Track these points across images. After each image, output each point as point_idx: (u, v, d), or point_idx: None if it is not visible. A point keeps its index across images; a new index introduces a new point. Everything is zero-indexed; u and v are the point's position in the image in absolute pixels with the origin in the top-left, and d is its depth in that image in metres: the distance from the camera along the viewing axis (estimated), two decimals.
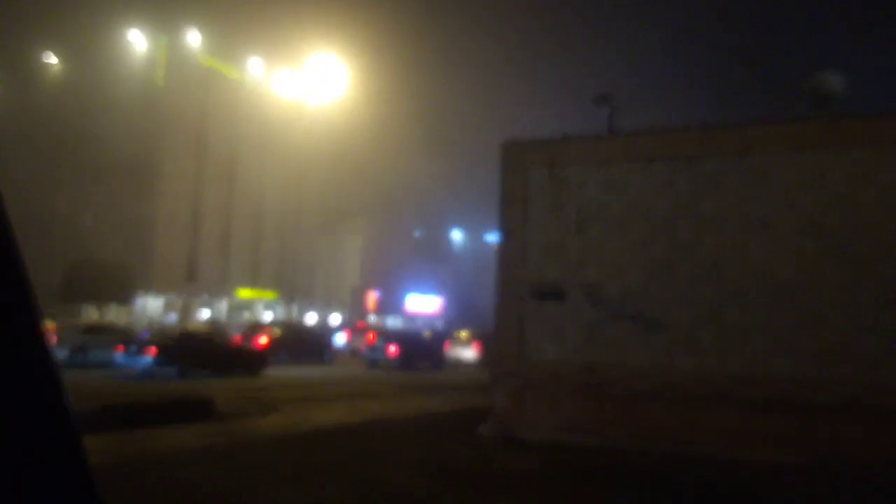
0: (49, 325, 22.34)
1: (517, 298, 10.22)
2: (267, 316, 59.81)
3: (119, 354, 20.02)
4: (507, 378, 10.02)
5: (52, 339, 20.44)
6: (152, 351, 19.32)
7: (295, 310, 54.79)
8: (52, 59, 62.63)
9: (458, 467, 7.86)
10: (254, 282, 63.37)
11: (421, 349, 27.36)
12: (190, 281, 58.03)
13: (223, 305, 62.10)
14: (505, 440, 9.29)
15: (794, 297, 8.90)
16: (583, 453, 8.65)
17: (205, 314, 58.12)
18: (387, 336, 28.04)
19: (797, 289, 8.92)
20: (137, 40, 57.76)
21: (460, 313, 61.32)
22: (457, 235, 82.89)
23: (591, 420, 9.36)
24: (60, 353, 19.90)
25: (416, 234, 74.09)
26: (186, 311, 57.05)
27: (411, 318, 66.99)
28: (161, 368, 19.00)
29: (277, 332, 27.76)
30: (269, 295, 64.19)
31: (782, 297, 8.96)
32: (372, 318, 59.12)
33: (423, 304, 67.64)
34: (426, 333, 32.41)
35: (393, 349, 25.50)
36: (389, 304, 64.60)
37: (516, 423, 9.69)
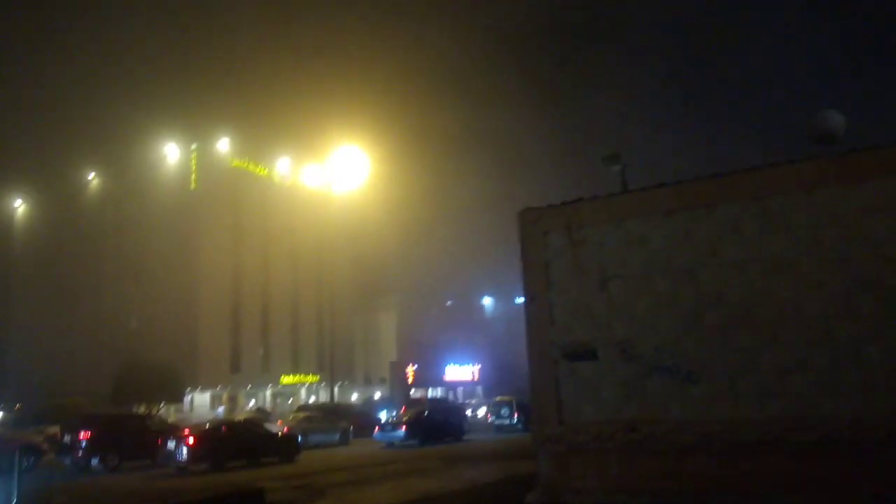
0: (280, 421, 27.18)
1: (550, 361, 10.26)
2: (310, 400, 59.72)
3: (378, 433, 26.31)
4: (548, 443, 9.97)
5: (285, 430, 25.08)
6: (403, 427, 25.21)
7: (337, 391, 54.73)
8: (91, 173, 65.83)
9: None
10: (295, 367, 63.80)
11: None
12: (234, 373, 58.68)
13: (267, 393, 62.42)
14: None
15: (829, 335, 8.81)
16: None
17: (251, 404, 58.33)
18: (511, 405, 33.42)
19: (831, 327, 8.83)
20: (170, 150, 60.56)
21: (498, 379, 60.70)
22: (487, 301, 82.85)
23: (638, 479, 9.21)
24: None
25: (448, 303, 74.21)
26: (233, 403, 57.42)
27: (451, 387, 66.44)
28: (408, 440, 24.61)
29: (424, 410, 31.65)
30: (311, 379, 64.42)
31: (817, 336, 8.88)
32: (413, 392, 58.76)
33: (461, 373, 67.18)
34: None
35: (516, 414, 31.82)
36: (428, 376, 64.24)
37: (563, 489, 9.58)
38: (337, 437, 26.97)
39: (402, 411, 29.49)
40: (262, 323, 61.99)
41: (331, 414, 31.38)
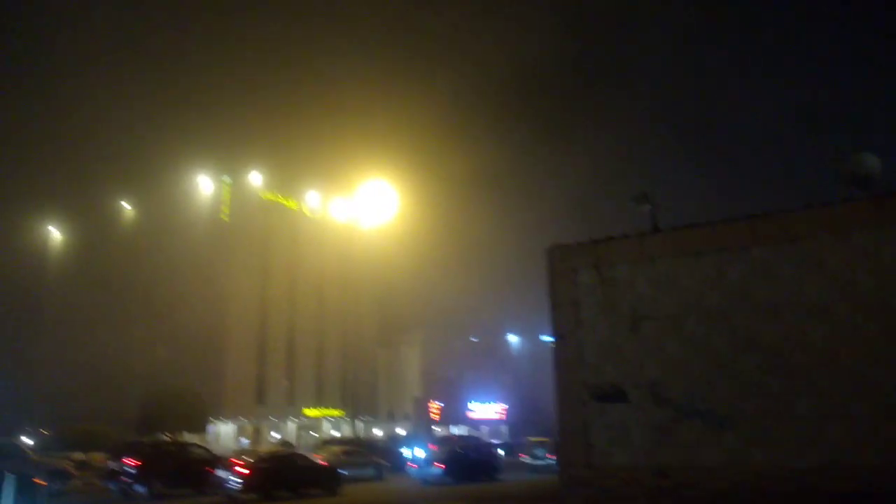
0: (316, 454, 27.40)
1: (579, 402, 10.10)
2: (334, 434, 59.39)
3: (412, 469, 26.62)
4: (576, 486, 9.77)
5: (323, 463, 24.99)
6: (439, 466, 25.45)
7: (361, 426, 54.44)
8: (125, 204, 67.39)
9: None
10: (319, 401, 63.66)
11: None
12: (259, 404, 58.73)
13: (291, 426, 62.23)
14: None
15: (866, 381, 8.56)
16: None
17: (275, 437, 58.15)
18: (546, 445, 32.76)
19: (868, 373, 8.59)
20: (203, 182, 61.80)
21: (524, 418, 59.93)
22: (513, 339, 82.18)
23: None
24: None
25: (473, 340, 73.76)
26: (257, 435, 57.30)
27: (475, 425, 65.66)
28: (443, 478, 24.76)
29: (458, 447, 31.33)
30: (334, 413, 64.17)
31: (853, 382, 8.63)
32: (437, 429, 58.22)
33: (486, 411, 66.34)
34: None
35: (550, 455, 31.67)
36: (453, 413, 63.61)
37: None
38: (371, 471, 27.26)
39: (430, 448, 29.53)
40: (287, 355, 62.19)
41: (364, 448, 31.43)
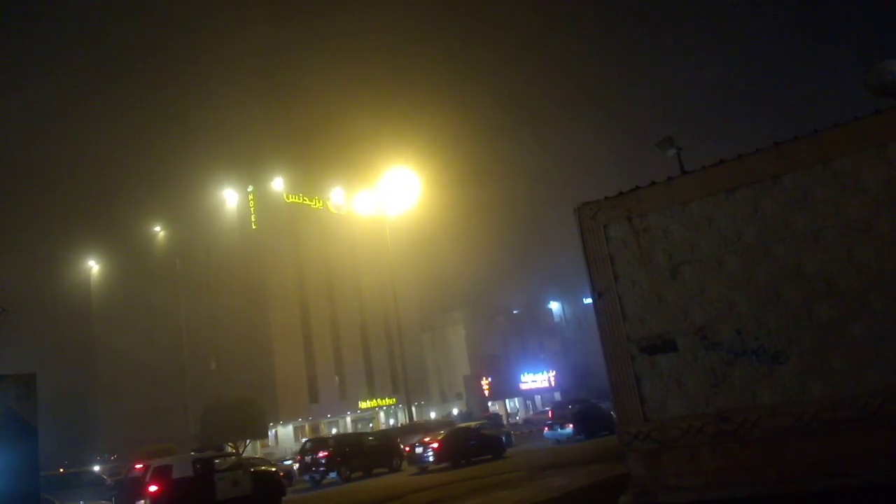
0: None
1: (627, 358, 9.97)
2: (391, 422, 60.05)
3: (546, 432, 30.21)
4: (636, 442, 9.67)
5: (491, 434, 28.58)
6: (569, 425, 28.64)
7: (415, 411, 54.89)
8: (157, 227, 68.64)
9: None
10: (371, 392, 64.42)
11: None
12: (313, 403, 59.67)
13: (348, 420, 63.14)
14: None
15: None
16: None
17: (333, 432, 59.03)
18: None
19: None
20: (228, 195, 62.41)
21: (575, 382, 59.82)
22: (554, 306, 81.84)
23: (735, 470, 8.82)
24: None
25: (514, 312, 73.65)
26: (316, 434, 58.30)
27: (527, 395, 65.75)
28: (575, 435, 27.86)
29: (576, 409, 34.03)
30: (388, 402, 64.90)
31: None
32: (490, 405, 58.36)
33: (537, 380, 66.39)
34: None
35: None
36: (504, 387, 63.74)
37: (657, 488, 9.26)
38: (504, 439, 30.15)
39: (549, 416, 32.37)
40: (334, 352, 62.95)
41: (490, 423, 35.69)
